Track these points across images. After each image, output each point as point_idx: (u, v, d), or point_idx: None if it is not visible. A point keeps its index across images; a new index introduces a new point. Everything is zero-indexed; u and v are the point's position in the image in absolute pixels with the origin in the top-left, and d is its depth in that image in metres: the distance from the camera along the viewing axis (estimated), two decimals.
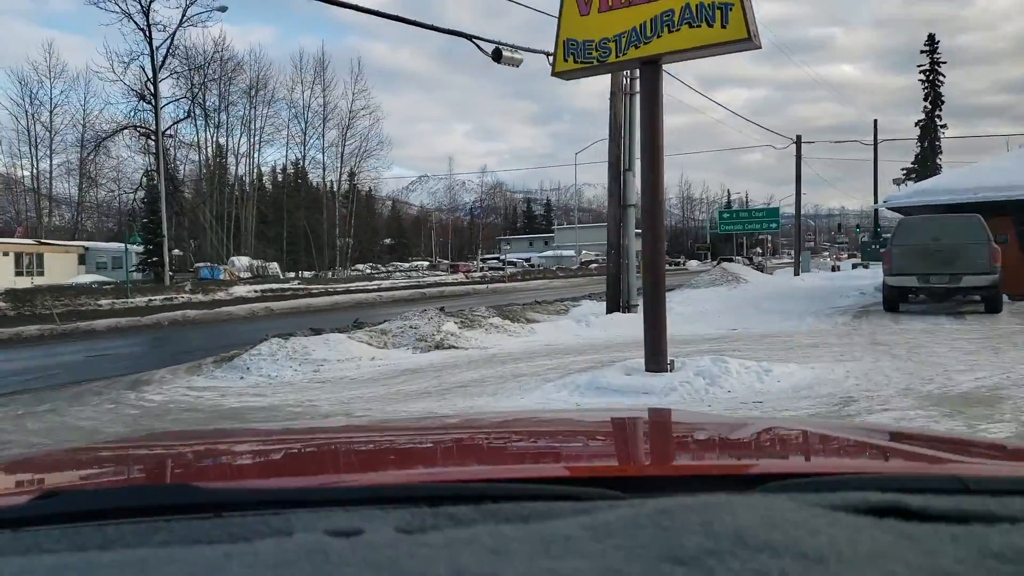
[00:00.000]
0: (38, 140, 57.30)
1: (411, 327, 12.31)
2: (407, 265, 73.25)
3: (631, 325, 12.93)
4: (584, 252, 63.71)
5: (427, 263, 76.80)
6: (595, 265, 59.07)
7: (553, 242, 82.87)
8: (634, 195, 13.97)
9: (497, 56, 10.95)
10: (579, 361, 9.37)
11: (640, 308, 14.56)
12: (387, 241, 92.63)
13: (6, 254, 35.45)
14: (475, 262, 73.94)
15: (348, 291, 37.43)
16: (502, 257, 76.51)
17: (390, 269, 66.15)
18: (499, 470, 1.14)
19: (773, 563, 0.51)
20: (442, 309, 14.92)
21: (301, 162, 61.71)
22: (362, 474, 1.20)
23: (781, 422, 2.21)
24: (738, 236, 61.92)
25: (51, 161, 58.16)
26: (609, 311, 13.84)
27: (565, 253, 60.01)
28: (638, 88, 14.26)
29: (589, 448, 1.41)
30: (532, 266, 59.61)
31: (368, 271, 62.95)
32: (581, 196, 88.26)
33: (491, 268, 61.17)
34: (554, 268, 55.64)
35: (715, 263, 36.55)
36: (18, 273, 35.20)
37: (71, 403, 9.32)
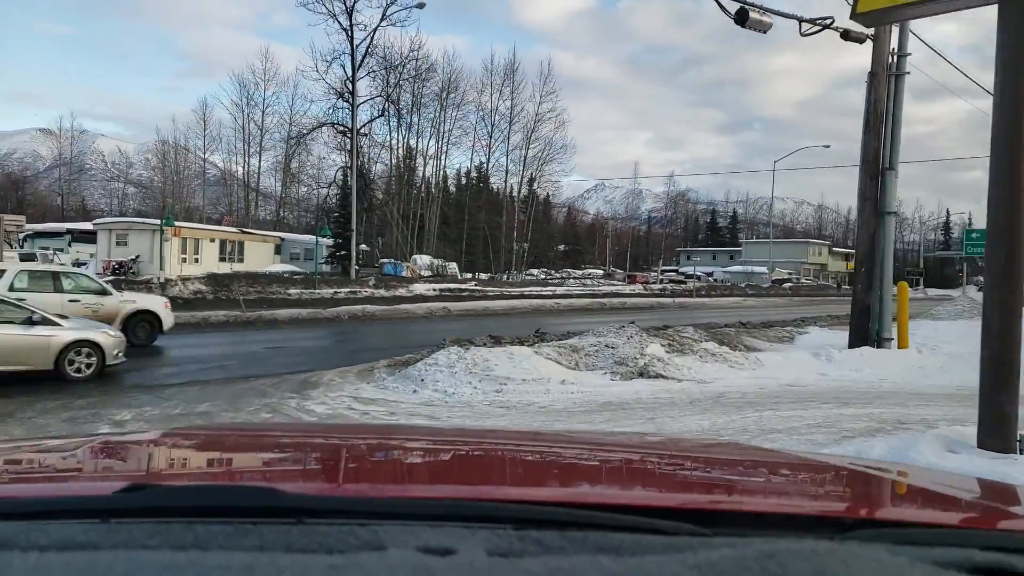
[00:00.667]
0: (251, 138, 62.01)
1: (607, 346, 10.35)
2: (579, 272, 71.68)
3: (893, 365, 10.19)
4: (776, 269, 58.77)
5: (601, 271, 74.83)
6: (789, 284, 54.17)
7: (740, 256, 77.83)
8: (894, 200, 11.14)
9: (742, 18, 8.76)
10: (847, 416, 6.92)
11: (894, 343, 11.73)
12: (561, 247, 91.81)
13: (212, 240, 37.68)
14: (652, 273, 70.95)
15: (523, 296, 36.26)
16: (681, 269, 72.96)
17: (563, 275, 64.79)
18: (580, 494, 1.12)
19: None
20: (632, 323, 12.92)
21: (485, 165, 61.98)
22: (443, 486, 1.18)
23: (860, 463, 1.82)
24: (957, 262, 54.46)
25: (260, 158, 62.74)
26: (853, 344, 11.10)
27: (756, 269, 55.47)
28: (906, 68, 11.42)
29: (672, 477, 1.38)
30: (717, 281, 55.65)
31: (541, 276, 62.00)
32: (771, 209, 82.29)
33: (671, 281, 57.93)
34: (742, 285, 51.57)
35: (921, 289, 31.39)
36: (221, 259, 37.27)
37: (230, 405, 8.28)
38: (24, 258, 32.72)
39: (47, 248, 35.97)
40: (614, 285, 52.80)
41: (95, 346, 9.59)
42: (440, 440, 1.72)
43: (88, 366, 9.51)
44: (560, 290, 45.04)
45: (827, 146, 67.14)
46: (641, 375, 9.28)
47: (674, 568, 0.58)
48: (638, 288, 48.71)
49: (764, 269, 56.97)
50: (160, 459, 1.41)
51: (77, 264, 35.18)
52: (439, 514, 0.77)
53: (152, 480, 1.16)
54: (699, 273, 62.29)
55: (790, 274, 60.34)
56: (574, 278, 60.02)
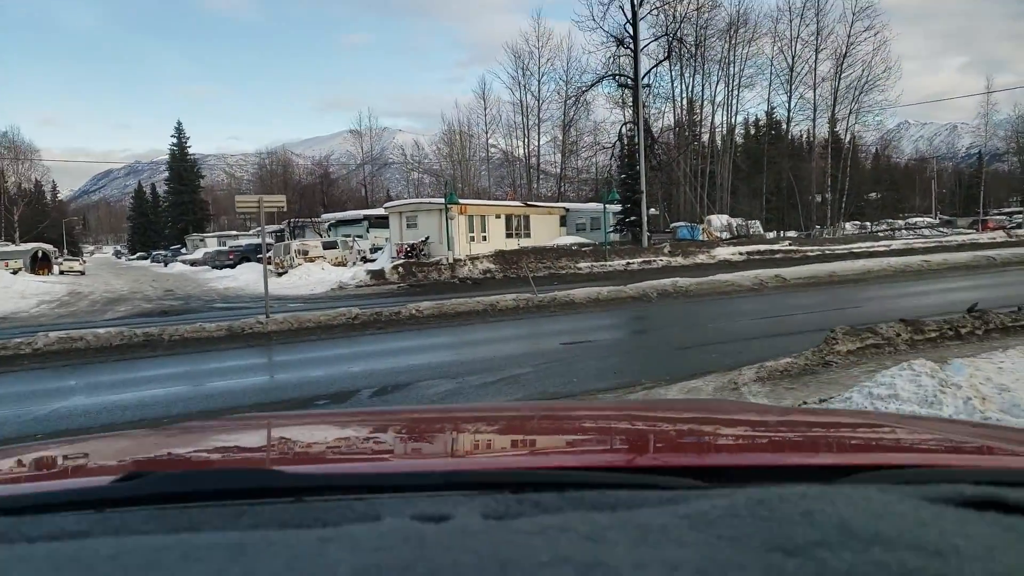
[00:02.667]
0: (528, 111, 60.72)
1: None
2: (902, 223, 60.52)
3: None
4: None
5: (927, 220, 62.66)
6: None
7: None
8: None
9: None
10: None
11: None
12: (872, 196, 79.80)
13: (498, 216, 36.05)
14: (997, 217, 57.97)
15: (854, 254, 29.42)
16: None
17: (885, 228, 54.68)
18: (580, 459, 1.13)
19: (890, 556, 0.50)
20: None
21: (787, 105, 53.82)
22: (443, 459, 1.20)
23: (864, 416, 1.94)
24: None
25: (539, 130, 61.25)
26: None
27: None
28: None
29: (672, 437, 1.38)
30: None
31: (856, 231, 52.80)
32: None
33: None
34: None
35: None
36: (508, 235, 35.54)
37: None
38: (327, 245, 33.69)
39: (348, 235, 37.00)
40: (962, 234, 42.64)
41: None
42: (442, 417, 1.71)
43: None
44: (896, 244, 36.87)
45: None
46: None
47: (665, 519, 0.59)
48: (999, 236, 38.48)
49: None
50: (161, 450, 1.36)
51: (374, 249, 35.73)
52: (438, 484, 0.76)
53: (150, 469, 1.10)
54: None
55: None
56: (906, 228, 50.11)
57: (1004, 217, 56.18)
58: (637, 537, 0.55)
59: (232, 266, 36.11)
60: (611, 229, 35.00)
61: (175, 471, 1.03)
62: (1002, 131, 76.98)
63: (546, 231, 37.45)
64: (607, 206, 33.21)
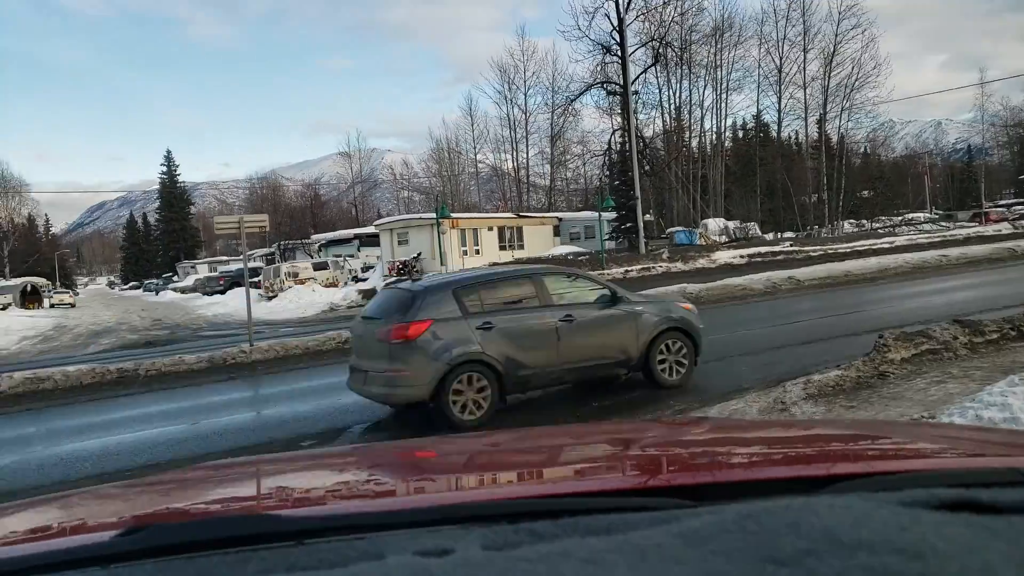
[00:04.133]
0: (516, 124, 59.99)
1: None
2: (900, 219, 59.79)
3: None
4: None
5: (923, 216, 61.98)
6: None
7: None
8: None
9: None
10: None
11: None
12: (864, 193, 79.35)
13: (490, 229, 35.19)
14: (1006, 210, 57.27)
15: (858, 252, 28.53)
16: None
17: (884, 225, 53.94)
18: (572, 485, 1.15)
19: (875, 560, 0.52)
20: None
21: (777, 106, 53.19)
22: (439, 493, 1.21)
23: (830, 425, 2.03)
24: None
25: (527, 143, 60.51)
26: None
27: None
28: None
29: (658, 458, 1.40)
30: None
31: (853, 229, 52.03)
32: None
33: None
34: None
35: None
36: (501, 247, 34.67)
37: None
38: (317, 267, 32.70)
39: (339, 255, 36.03)
40: (965, 227, 41.92)
41: None
42: (434, 450, 1.74)
43: None
44: (900, 240, 36.05)
45: None
46: None
47: (660, 538, 0.60)
48: (1004, 228, 37.77)
49: None
50: (158, 501, 1.36)
51: (366, 268, 34.73)
52: (436, 519, 0.78)
53: (150, 521, 1.11)
54: None
55: None
56: (905, 224, 49.37)
57: (1003, 209, 55.50)
58: (635, 558, 0.56)
59: (223, 292, 35.17)
60: (606, 237, 34.12)
61: (176, 522, 1.00)
62: (996, 123, 76.60)
63: (540, 242, 36.57)
64: (601, 214, 32.38)
